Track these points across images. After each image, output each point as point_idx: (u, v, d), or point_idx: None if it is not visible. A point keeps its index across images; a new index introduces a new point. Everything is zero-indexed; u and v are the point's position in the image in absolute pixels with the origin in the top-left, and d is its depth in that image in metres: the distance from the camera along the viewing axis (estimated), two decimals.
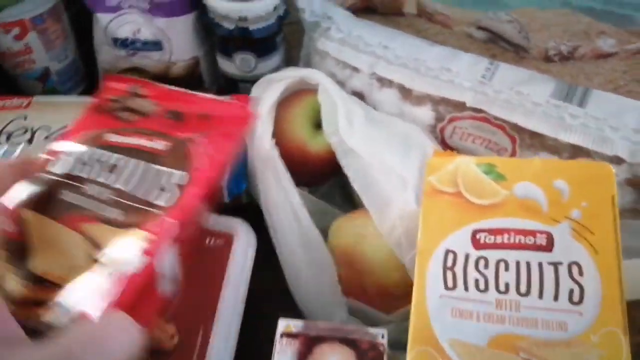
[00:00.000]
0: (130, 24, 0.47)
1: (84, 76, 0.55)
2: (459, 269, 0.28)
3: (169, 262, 0.26)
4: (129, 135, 0.31)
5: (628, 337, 0.25)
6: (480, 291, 0.28)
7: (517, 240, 0.28)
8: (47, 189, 0.28)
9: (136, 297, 0.24)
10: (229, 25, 0.45)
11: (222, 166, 0.30)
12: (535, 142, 0.39)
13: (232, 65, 0.48)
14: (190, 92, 0.36)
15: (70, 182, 0.28)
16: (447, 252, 0.29)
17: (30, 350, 0.20)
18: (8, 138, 0.42)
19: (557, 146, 0.38)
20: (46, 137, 0.42)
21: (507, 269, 0.28)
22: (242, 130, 0.33)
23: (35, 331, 0.22)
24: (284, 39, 0.50)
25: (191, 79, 0.51)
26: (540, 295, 0.27)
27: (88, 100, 0.45)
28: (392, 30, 0.48)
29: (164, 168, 0.29)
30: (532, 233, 0.28)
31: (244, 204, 0.42)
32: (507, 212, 0.30)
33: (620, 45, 0.49)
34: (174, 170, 0.28)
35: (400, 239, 0.34)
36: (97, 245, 0.25)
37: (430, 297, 0.28)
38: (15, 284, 0.24)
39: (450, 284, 0.28)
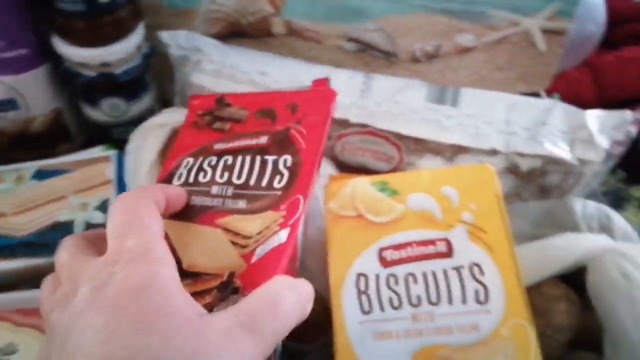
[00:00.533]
0: None
1: None
2: (372, 291, 0.28)
3: (301, 235, 0.29)
4: (232, 141, 0.32)
5: (534, 324, 0.27)
6: (395, 308, 0.28)
7: (420, 252, 0.29)
8: None
9: (288, 266, 0.26)
10: (90, 73, 0.41)
11: (321, 142, 0.32)
12: (419, 146, 0.41)
13: (100, 113, 0.45)
14: (273, 90, 0.40)
15: (194, 188, 0.30)
16: (358, 276, 0.29)
17: (217, 317, 0.21)
18: None
19: (439, 148, 0.40)
20: None
21: (415, 281, 0.28)
22: (329, 107, 0.34)
23: None
24: (154, 75, 0.47)
25: (55, 132, 0.47)
26: (450, 301, 0.27)
27: None
28: (266, 54, 0.48)
29: (272, 156, 0.30)
30: (432, 242, 0.29)
31: None
32: (406, 226, 0.30)
33: (479, 39, 0.53)
34: (281, 156, 0.30)
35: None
36: (237, 233, 0.27)
37: (349, 326, 0.28)
38: None
39: (366, 307, 0.28)
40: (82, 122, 0.48)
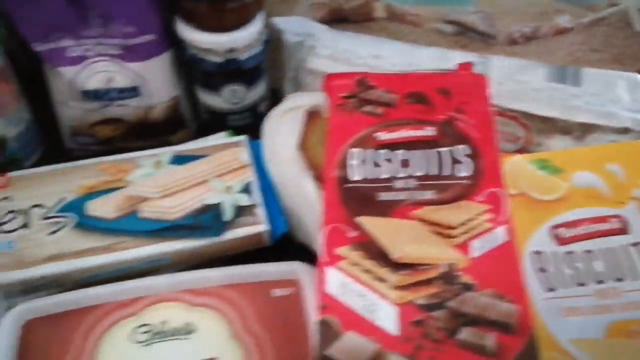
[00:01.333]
0: (101, 73, 0.42)
1: (42, 138, 0.49)
2: (551, 269, 0.29)
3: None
4: (394, 130, 0.33)
5: None
6: (579, 285, 0.29)
7: (594, 229, 0.30)
8: (363, 196, 0.32)
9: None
10: (216, 59, 0.42)
11: (492, 131, 0.32)
12: (547, 126, 0.41)
13: (219, 99, 0.46)
14: (409, 71, 0.39)
15: (377, 185, 0.31)
16: (534, 254, 0.30)
17: None
18: None
19: (568, 127, 0.41)
20: (45, 217, 0.37)
21: (595, 258, 0.29)
22: (486, 93, 0.34)
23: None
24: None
25: (172, 120, 0.48)
26: (636, 277, 0.28)
27: (64, 167, 0.41)
28: (375, 37, 0.48)
29: (445, 148, 0.31)
30: (604, 219, 0.30)
31: (280, 244, 0.40)
32: (574, 204, 0.31)
33: (576, 20, 0.53)
34: (455, 146, 0.31)
35: None
36: (436, 223, 0.28)
37: (536, 304, 0.29)
38: (395, 277, 0.28)
39: (549, 284, 0.29)
40: (195, 110, 0.49)
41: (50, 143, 0.49)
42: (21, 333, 0.31)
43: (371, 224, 0.30)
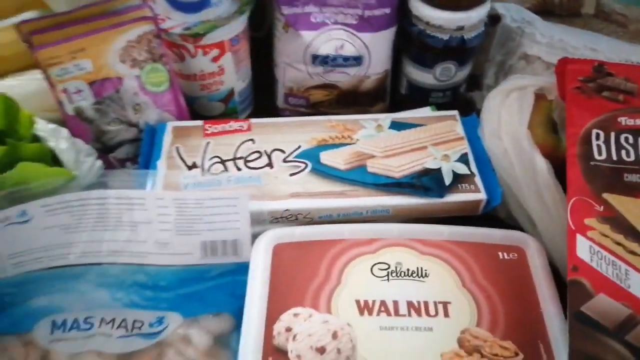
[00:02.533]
0: (333, 40, 0.46)
1: (255, 96, 0.55)
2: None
3: None
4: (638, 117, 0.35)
5: None
6: None
7: None
8: (608, 175, 0.33)
9: None
10: (444, 36, 0.45)
11: None
12: None
13: (430, 76, 0.48)
14: None
15: (621, 166, 0.33)
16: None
17: None
18: (246, 162, 0.41)
19: None
20: (285, 159, 0.42)
21: None
22: None
23: None
24: None
25: (377, 91, 0.51)
26: None
27: (299, 120, 0.45)
28: (591, 32, 0.48)
29: None
30: None
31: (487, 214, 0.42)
32: None
33: None
34: None
35: None
36: None
37: None
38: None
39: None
40: (393, 85, 0.52)
41: (260, 101, 0.55)
42: (271, 255, 0.36)
43: (618, 201, 0.31)
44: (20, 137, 0.40)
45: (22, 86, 0.45)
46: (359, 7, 0.45)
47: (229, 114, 0.52)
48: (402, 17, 0.47)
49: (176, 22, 0.44)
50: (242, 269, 0.39)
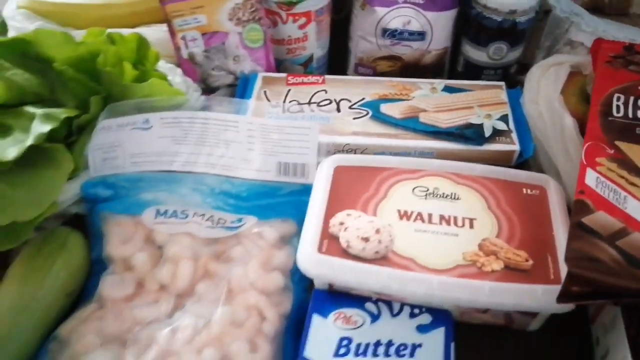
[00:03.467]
0: (402, 17, 0.55)
1: (327, 66, 0.64)
2: None
3: None
4: None
5: None
6: None
7: None
8: (623, 128, 0.39)
9: None
10: (498, 18, 0.52)
11: None
12: None
13: (484, 54, 0.56)
14: None
15: (637, 122, 0.39)
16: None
17: None
18: (318, 106, 0.50)
19: None
20: (350, 107, 0.50)
21: None
22: None
23: None
24: None
25: (435, 66, 0.59)
26: None
27: (365, 79, 0.54)
28: (631, 27, 0.54)
29: None
30: None
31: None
32: None
33: None
34: None
35: None
36: None
37: None
38: None
39: None
40: (452, 61, 0.60)
41: (331, 70, 0.64)
42: (332, 173, 0.44)
43: (628, 148, 0.37)
44: (146, 70, 0.51)
45: (149, 34, 0.56)
46: None
47: None
48: (464, 1, 0.54)
49: None
50: (307, 190, 0.47)
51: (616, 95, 0.41)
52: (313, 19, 0.56)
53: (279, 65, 0.60)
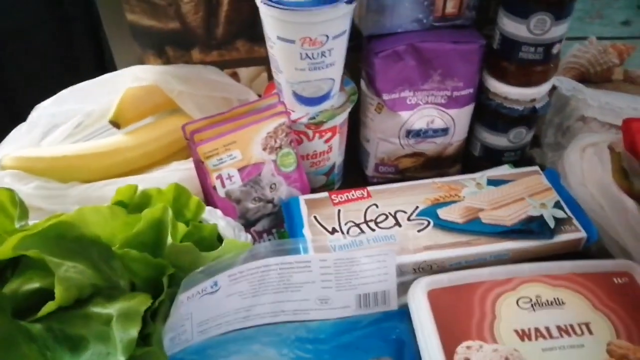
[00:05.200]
0: (426, 117, 0.55)
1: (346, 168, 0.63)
2: None
3: None
4: None
5: None
6: None
7: None
8: None
9: None
10: (519, 107, 0.54)
11: None
12: None
13: (504, 139, 0.58)
14: None
15: None
16: None
17: None
18: (376, 224, 0.48)
19: None
20: (409, 218, 0.49)
21: None
22: None
23: None
24: None
25: (456, 155, 0.60)
26: None
27: (408, 185, 0.53)
28: (628, 95, 0.59)
29: None
30: None
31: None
32: None
33: None
34: None
35: None
36: None
37: None
38: None
39: None
40: (466, 148, 0.61)
41: (346, 173, 0.63)
42: (428, 301, 0.42)
43: None
44: (187, 220, 0.46)
45: (167, 177, 0.52)
46: (448, 89, 0.54)
47: (328, 185, 0.60)
48: (479, 93, 0.56)
49: (301, 113, 0.52)
50: (388, 316, 0.45)
51: None
52: (337, 132, 0.55)
53: None
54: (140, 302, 0.36)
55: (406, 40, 0.52)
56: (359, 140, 0.62)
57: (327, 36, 0.46)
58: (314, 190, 0.59)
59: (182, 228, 0.42)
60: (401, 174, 0.61)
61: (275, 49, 0.49)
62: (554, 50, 0.51)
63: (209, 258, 0.41)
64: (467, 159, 0.62)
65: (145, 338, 0.37)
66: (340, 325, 0.45)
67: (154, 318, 0.38)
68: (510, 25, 0.50)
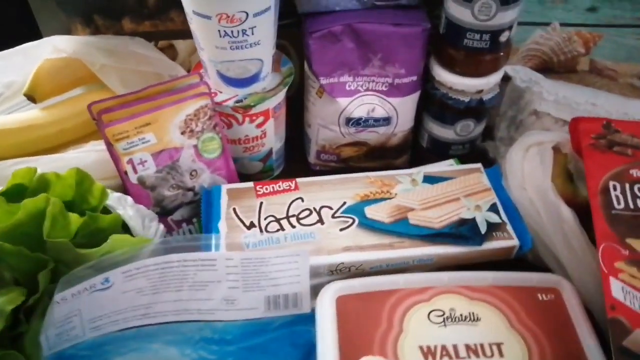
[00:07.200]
0: (366, 105, 0.52)
1: (287, 154, 0.59)
2: None
3: None
4: None
5: None
6: None
7: None
8: (629, 222, 0.39)
9: None
10: (465, 98, 0.50)
11: None
12: None
13: (451, 132, 0.54)
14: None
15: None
16: None
17: None
18: (298, 220, 0.45)
19: None
20: (333, 215, 0.46)
21: None
22: None
23: None
24: None
25: (400, 147, 0.56)
26: None
27: (340, 178, 0.50)
28: (589, 89, 0.55)
29: None
30: None
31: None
32: None
33: None
34: None
35: None
36: None
37: None
38: None
39: None
40: (415, 138, 0.57)
41: (289, 158, 0.59)
42: (336, 307, 0.40)
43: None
44: (92, 208, 0.43)
45: (81, 158, 0.49)
46: (389, 76, 0.50)
47: (265, 172, 0.57)
48: (425, 82, 0.52)
49: (228, 95, 0.49)
50: (301, 319, 0.42)
51: (611, 183, 0.40)
52: (271, 116, 0.51)
53: (236, 162, 0.54)
54: (9, 300, 0.34)
55: (343, 20, 0.48)
56: (303, 125, 0.59)
57: (247, 13, 0.42)
58: (250, 177, 0.56)
59: (75, 219, 0.39)
60: (344, 163, 0.57)
61: (193, 25, 0.45)
62: (502, 39, 0.46)
63: (95, 255, 0.38)
64: (416, 150, 0.59)
65: (17, 337, 0.35)
66: (249, 327, 0.42)
67: (29, 315, 0.36)
68: (455, 9, 0.45)
